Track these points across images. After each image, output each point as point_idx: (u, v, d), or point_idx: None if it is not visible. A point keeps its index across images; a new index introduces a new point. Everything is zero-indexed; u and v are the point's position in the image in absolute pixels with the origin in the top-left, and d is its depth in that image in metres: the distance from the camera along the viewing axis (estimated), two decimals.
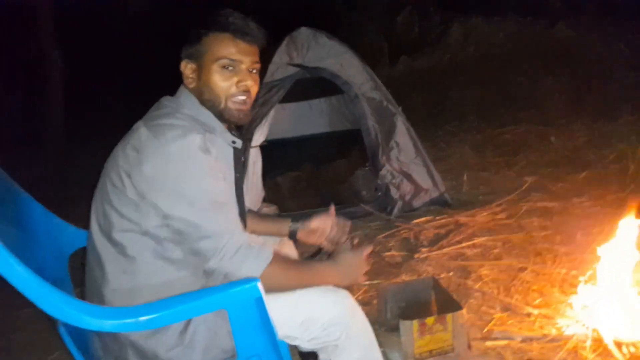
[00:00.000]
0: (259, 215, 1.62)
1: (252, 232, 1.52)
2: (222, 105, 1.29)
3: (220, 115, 1.30)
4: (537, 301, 2.12)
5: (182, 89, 1.33)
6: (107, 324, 1.01)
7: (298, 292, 1.27)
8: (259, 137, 2.96)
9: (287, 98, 3.23)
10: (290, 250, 1.64)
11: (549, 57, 5.99)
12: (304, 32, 3.19)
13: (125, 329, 1.09)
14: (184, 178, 1.16)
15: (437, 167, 3.13)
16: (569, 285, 2.18)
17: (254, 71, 1.32)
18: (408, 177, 3.04)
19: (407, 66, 6.77)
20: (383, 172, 3.03)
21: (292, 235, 1.59)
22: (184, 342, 1.19)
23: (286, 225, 1.59)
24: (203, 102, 1.30)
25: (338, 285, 1.34)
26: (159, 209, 1.16)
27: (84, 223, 1.57)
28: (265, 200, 3.16)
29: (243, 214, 1.35)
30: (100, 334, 1.24)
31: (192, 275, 1.22)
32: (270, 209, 3.08)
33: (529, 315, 2.03)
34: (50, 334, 2.13)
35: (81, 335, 1.18)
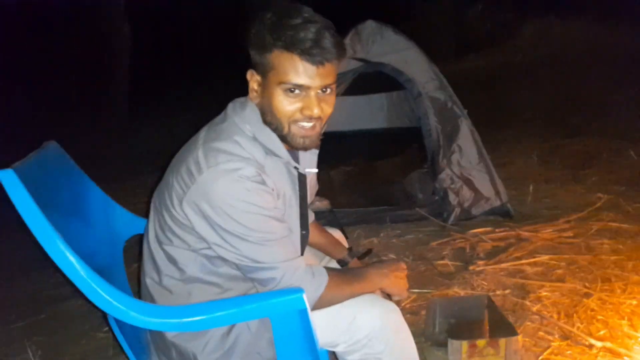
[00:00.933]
0: (319, 229, 1.57)
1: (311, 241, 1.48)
2: (285, 131, 1.15)
3: (284, 140, 1.17)
4: (601, 332, 1.95)
5: (249, 99, 1.21)
6: (151, 322, 1.02)
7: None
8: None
9: (347, 91, 3.16)
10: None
11: (627, 63, 5.55)
12: (369, 26, 3.10)
13: (168, 329, 1.10)
14: (234, 215, 1.10)
15: (498, 174, 2.96)
16: (639, 319, 1.99)
17: (328, 91, 1.15)
18: (468, 183, 2.89)
19: (475, 63, 6.50)
20: (442, 175, 2.90)
21: (342, 264, 1.56)
22: (225, 347, 1.18)
23: (340, 254, 1.55)
24: (265, 121, 1.17)
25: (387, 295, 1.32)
26: (208, 241, 1.14)
27: (139, 204, 1.58)
28: (318, 193, 3.12)
29: (305, 234, 1.30)
30: (151, 332, 1.26)
31: (241, 283, 1.21)
32: (323, 203, 3.03)
33: (590, 347, 1.87)
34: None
35: (132, 327, 1.18)
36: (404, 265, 1.38)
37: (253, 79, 1.16)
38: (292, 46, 1.07)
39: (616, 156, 3.73)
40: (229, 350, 1.18)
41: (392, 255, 2.62)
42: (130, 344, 1.22)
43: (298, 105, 1.12)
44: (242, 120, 1.17)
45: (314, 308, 1.15)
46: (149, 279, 1.25)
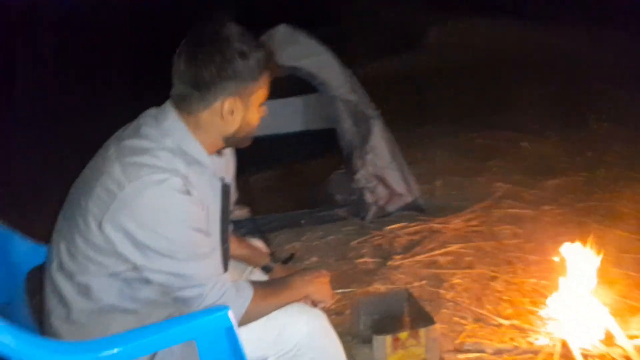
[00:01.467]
0: (240, 238, 1.56)
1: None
2: (249, 136, 1.25)
3: (237, 143, 1.26)
4: (507, 311, 2.14)
5: (168, 111, 1.17)
6: None
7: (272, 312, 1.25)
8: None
9: None
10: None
11: (527, 62, 6.07)
12: (282, 30, 3.12)
13: None
14: (161, 230, 1.08)
15: (410, 170, 3.11)
16: (538, 295, 2.20)
17: None
18: (383, 181, 3.02)
19: (386, 66, 6.75)
20: (358, 175, 3.00)
21: (266, 270, 1.57)
22: None
23: (263, 260, 1.56)
24: (213, 134, 1.18)
25: (312, 302, 1.34)
26: (131, 261, 1.09)
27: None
28: (238, 201, 3.10)
29: (227, 247, 1.29)
30: None
31: (161, 310, 1.17)
32: (243, 212, 3.01)
33: (499, 326, 2.04)
34: None
35: None
36: (325, 272, 1.42)
37: (234, 105, 1.17)
38: (269, 66, 1.20)
39: (515, 148, 4.06)
40: None
41: (314, 258, 2.68)
42: None
43: (262, 114, 1.25)
44: (161, 134, 1.15)
45: (241, 323, 1.15)
46: (55, 317, 1.16)
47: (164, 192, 1.07)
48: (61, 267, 1.14)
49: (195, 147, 1.16)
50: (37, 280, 1.42)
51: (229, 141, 1.22)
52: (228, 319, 1.05)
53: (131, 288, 1.14)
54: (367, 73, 5.29)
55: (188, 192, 1.10)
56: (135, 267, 1.11)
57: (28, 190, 3.55)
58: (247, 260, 1.56)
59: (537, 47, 6.52)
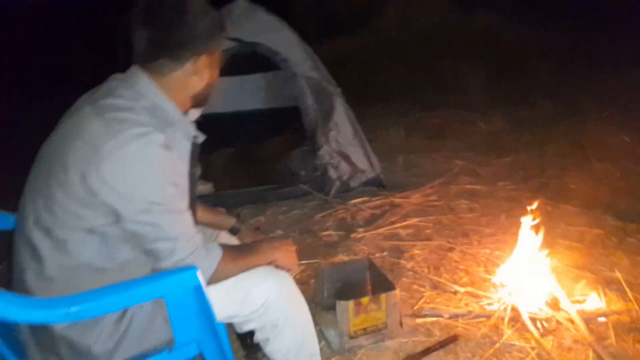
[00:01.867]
0: (204, 206, 1.58)
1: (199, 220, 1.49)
2: (211, 95, 1.29)
3: (202, 102, 1.29)
4: (463, 280, 2.25)
5: (138, 74, 1.20)
6: (36, 315, 0.95)
7: (240, 274, 1.29)
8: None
9: (223, 72, 3.12)
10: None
11: (471, 43, 6.25)
12: (241, 5, 3.08)
13: (56, 320, 1.03)
14: (144, 182, 1.10)
15: (371, 148, 3.18)
16: (492, 265, 2.32)
17: None
18: (346, 158, 3.07)
19: (337, 46, 6.78)
20: (321, 152, 3.04)
21: (234, 232, 1.62)
22: (119, 332, 1.16)
23: (230, 222, 1.60)
24: (183, 93, 1.23)
25: (279, 267, 1.39)
26: (113, 209, 1.10)
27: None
28: (200, 177, 3.08)
29: (194, 206, 1.31)
30: (33, 329, 1.17)
31: (135, 272, 1.18)
32: (206, 187, 3.00)
33: (455, 293, 2.15)
34: None
35: (12, 331, 1.09)
36: (291, 242, 1.49)
37: (201, 64, 1.21)
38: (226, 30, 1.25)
39: (468, 126, 4.21)
40: (123, 334, 1.16)
41: (279, 231, 2.71)
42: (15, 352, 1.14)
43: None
44: (136, 94, 1.17)
45: (209, 282, 1.18)
46: (28, 274, 1.16)
47: (146, 146, 1.10)
48: (38, 222, 1.14)
49: (169, 108, 1.20)
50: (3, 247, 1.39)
51: (196, 99, 1.26)
52: (196, 278, 1.08)
53: (107, 246, 1.14)
54: (317, 51, 5.31)
55: (168, 147, 1.13)
56: (115, 220, 1.12)
57: None
58: (213, 225, 1.58)
59: (484, 30, 6.72)
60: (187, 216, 1.20)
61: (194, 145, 1.28)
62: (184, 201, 1.19)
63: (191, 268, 1.11)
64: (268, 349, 1.35)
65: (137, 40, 1.18)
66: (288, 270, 1.43)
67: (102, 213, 1.11)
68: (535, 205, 2.17)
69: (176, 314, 1.13)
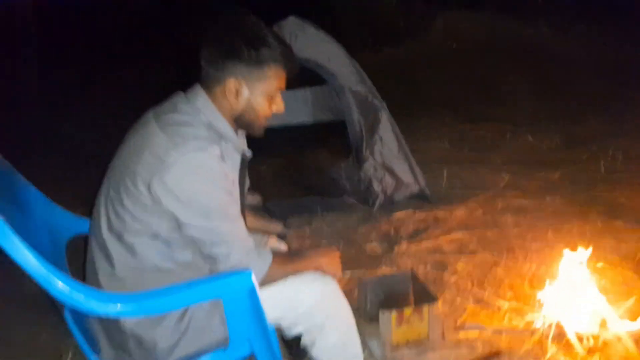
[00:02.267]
0: (252, 213, 1.69)
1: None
2: (257, 124, 1.36)
3: (246, 127, 1.38)
4: (507, 295, 2.24)
5: (198, 91, 1.33)
6: (110, 309, 1.07)
7: (288, 278, 1.38)
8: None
9: None
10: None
11: (523, 56, 6.15)
12: (291, 22, 3.20)
13: (127, 314, 1.16)
14: (203, 191, 1.23)
15: (415, 160, 3.21)
16: (537, 281, 2.30)
17: None
18: (390, 171, 3.12)
19: (388, 57, 6.84)
20: (366, 165, 3.10)
21: (281, 237, 1.73)
22: (181, 330, 1.27)
23: (277, 228, 1.73)
24: (227, 112, 1.32)
25: (324, 273, 1.46)
26: (174, 215, 1.23)
27: (76, 205, 1.60)
28: (249, 188, 3.21)
29: (244, 214, 1.42)
30: (104, 324, 1.30)
31: (195, 274, 1.30)
32: (255, 198, 3.10)
33: (499, 308, 2.15)
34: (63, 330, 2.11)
35: (87, 324, 1.23)
36: (336, 248, 1.59)
37: (240, 87, 1.30)
38: (286, 62, 1.31)
39: (514, 140, 4.16)
40: (184, 332, 1.27)
41: (324, 241, 2.79)
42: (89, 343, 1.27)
43: (273, 106, 1.36)
44: (195, 111, 1.29)
45: (261, 284, 1.27)
46: (102, 274, 1.29)
47: (204, 157, 1.22)
48: (110, 228, 1.28)
49: (222, 122, 1.32)
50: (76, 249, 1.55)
51: (238, 122, 1.35)
52: (251, 281, 1.18)
53: (170, 249, 1.27)
54: (366, 64, 5.39)
55: (223, 159, 1.26)
56: (177, 226, 1.24)
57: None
58: (262, 231, 1.69)
59: (531, 43, 6.60)
60: (241, 222, 1.32)
61: (244, 158, 1.40)
62: (236, 208, 1.31)
63: (246, 271, 1.21)
64: (314, 351, 1.42)
65: (200, 56, 1.32)
66: (333, 275, 1.51)
67: (166, 220, 1.24)
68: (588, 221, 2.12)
69: (232, 313, 1.23)
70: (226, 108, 1.32)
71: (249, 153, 1.41)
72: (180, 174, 1.20)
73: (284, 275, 1.36)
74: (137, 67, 5.95)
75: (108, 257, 1.29)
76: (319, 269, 1.43)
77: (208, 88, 1.32)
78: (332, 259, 1.48)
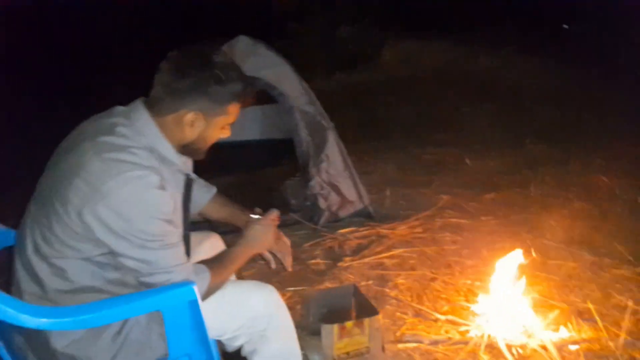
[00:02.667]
0: (221, 201, 1.69)
1: (213, 216, 1.66)
2: (203, 151, 1.36)
3: (190, 153, 1.35)
4: (444, 308, 2.34)
5: (140, 110, 1.27)
6: (44, 322, 1.04)
7: (228, 289, 1.38)
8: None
9: None
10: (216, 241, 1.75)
11: (471, 84, 6.51)
12: (242, 41, 3.24)
13: (63, 327, 1.12)
14: (139, 221, 1.18)
15: (362, 181, 3.31)
16: (472, 295, 2.42)
17: None
18: (336, 189, 3.20)
19: (341, 81, 7.04)
20: (312, 182, 3.16)
21: None
22: (117, 345, 1.24)
23: (242, 220, 1.64)
24: (175, 139, 1.29)
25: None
26: (107, 246, 1.19)
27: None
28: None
29: (187, 234, 1.40)
30: (32, 344, 1.25)
31: (130, 289, 1.27)
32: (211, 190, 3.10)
33: (436, 320, 2.24)
34: None
35: (9, 337, 1.18)
36: (273, 216, 1.57)
37: (196, 119, 1.27)
38: (243, 99, 1.32)
39: (459, 164, 4.36)
40: (122, 347, 1.24)
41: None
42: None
43: (222, 134, 1.36)
44: (134, 133, 1.24)
45: (203, 298, 1.28)
46: (28, 295, 1.23)
47: (142, 188, 1.17)
48: (37, 250, 1.22)
49: (166, 147, 1.28)
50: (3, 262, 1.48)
51: (184, 149, 1.32)
52: (193, 293, 1.18)
53: (103, 270, 1.23)
54: (320, 87, 5.52)
55: (163, 188, 1.21)
56: (110, 252, 1.20)
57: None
58: (227, 221, 1.67)
59: (486, 72, 7.00)
60: (180, 248, 1.28)
61: (188, 181, 1.38)
62: (176, 235, 1.27)
63: (188, 283, 1.20)
64: (255, 359, 1.43)
65: (155, 77, 1.28)
66: (270, 248, 1.57)
67: (98, 247, 1.19)
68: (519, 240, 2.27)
69: (172, 327, 1.22)
70: (175, 136, 1.28)
71: (192, 176, 1.40)
72: (114, 205, 1.15)
73: (224, 284, 1.36)
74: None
75: (36, 279, 1.23)
76: (257, 253, 1.46)
77: (156, 111, 1.27)
78: (263, 244, 1.51)
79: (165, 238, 1.22)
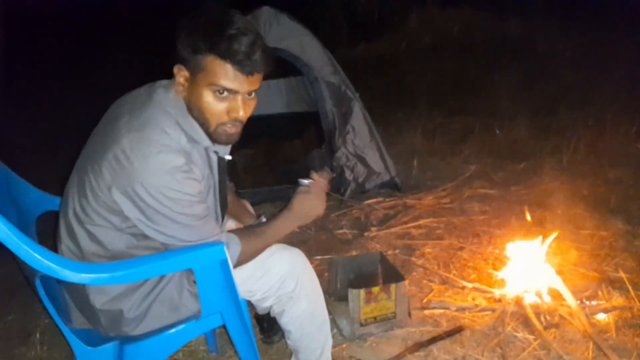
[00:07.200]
0: (233, 197, 1.70)
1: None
2: (212, 129, 1.24)
3: (208, 134, 1.25)
4: (471, 276, 2.34)
5: (168, 86, 1.26)
6: (85, 277, 1.10)
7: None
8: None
9: None
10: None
11: (498, 51, 6.31)
12: (265, 11, 3.20)
13: (100, 282, 1.17)
14: (164, 204, 1.18)
15: (388, 151, 3.29)
16: (500, 263, 2.41)
17: (252, 95, 1.24)
18: (362, 160, 3.19)
19: (365, 50, 6.92)
20: (339, 154, 3.16)
21: None
22: (150, 300, 1.30)
23: (249, 221, 1.68)
24: (191, 114, 1.23)
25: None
26: (138, 222, 1.21)
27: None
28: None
29: (224, 211, 1.42)
30: (74, 297, 1.33)
31: None
32: (228, 187, 3.14)
33: (463, 288, 2.24)
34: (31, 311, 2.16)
35: (57, 297, 1.24)
36: (324, 182, 1.48)
37: (180, 74, 1.21)
38: (227, 56, 1.15)
39: (485, 132, 4.28)
40: (153, 303, 1.30)
41: (295, 229, 2.82)
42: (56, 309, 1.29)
43: (225, 105, 1.20)
44: (168, 104, 1.23)
45: (235, 265, 1.29)
46: (70, 255, 1.29)
47: (168, 172, 1.16)
48: (76, 215, 1.27)
49: (190, 125, 1.24)
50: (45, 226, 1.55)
51: (198, 120, 1.24)
52: (223, 252, 1.21)
53: (137, 239, 1.27)
54: (347, 56, 5.45)
55: (189, 170, 1.20)
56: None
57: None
58: (234, 218, 1.70)
59: (510, 37, 6.78)
60: (208, 221, 1.26)
61: (221, 162, 1.36)
62: (203, 212, 1.25)
63: (219, 243, 1.23)
64: (284, 319, 1.46)
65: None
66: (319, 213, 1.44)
67: (127, 220, 1.22)
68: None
69: (204, 285, 1.26)
70: (188, 107, 1.23)
71: (222, 153, 1.34)
72: (141, 186, 1.15)
73: (260, 250, 1.36)
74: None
75: (75, 242, 1.28)
76: (304, 224, 1.42)
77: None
78: (312, 206, 1.41)
79: (191, 218, 1.22)
